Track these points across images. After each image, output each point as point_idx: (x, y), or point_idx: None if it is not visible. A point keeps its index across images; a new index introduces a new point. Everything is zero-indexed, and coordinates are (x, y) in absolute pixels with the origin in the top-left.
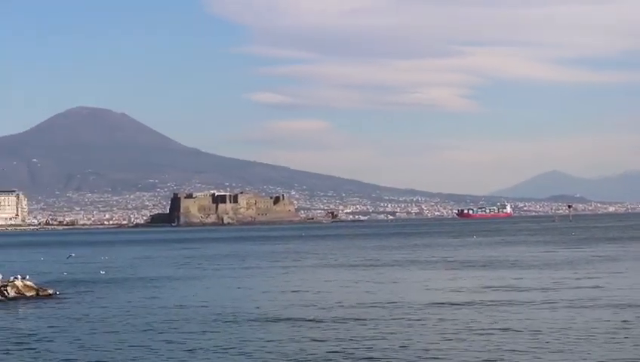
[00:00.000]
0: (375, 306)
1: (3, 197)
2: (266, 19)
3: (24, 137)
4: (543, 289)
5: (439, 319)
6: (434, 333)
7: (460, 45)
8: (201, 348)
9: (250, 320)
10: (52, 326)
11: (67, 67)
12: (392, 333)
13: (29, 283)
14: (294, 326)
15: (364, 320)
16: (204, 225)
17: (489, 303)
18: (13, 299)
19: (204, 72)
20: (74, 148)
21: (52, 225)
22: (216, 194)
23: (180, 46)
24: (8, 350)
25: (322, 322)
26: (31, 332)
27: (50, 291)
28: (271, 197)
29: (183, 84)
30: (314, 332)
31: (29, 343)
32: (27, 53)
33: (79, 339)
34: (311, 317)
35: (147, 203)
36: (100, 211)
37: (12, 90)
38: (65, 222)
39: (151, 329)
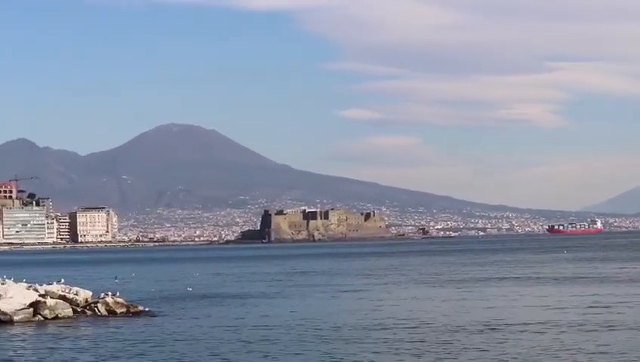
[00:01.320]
0: (467, 327)
1: (94, 214)
2: (358, 35)
3: (114, 154)
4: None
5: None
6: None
7: (548, 61)
8: None
9: (345, 337)
10: (143, 343)
11: (158, 84)
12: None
13: (119, 299)
14: (387, 343)
15: (455, 340)
16: (294, 241)
17: (585, 323)
18: (104, 315)
19: (295, 88)
20: (164, 165)
21: (142, 241)
22: (307, 210)
23: (271, 63)
24: None
25: (421, 341)
26: (122, 349)
27: (141, 308)
28: (362, 214)
29: (273, 100)
30: (411, 349)
31: (120, 359)
32: (117, 71)
33: (171, 355)
34: (405, 335)
35: (238, 219)
36: (190, 228)
37: (103, 107)
38: (155, 239)
39: (242, 345)
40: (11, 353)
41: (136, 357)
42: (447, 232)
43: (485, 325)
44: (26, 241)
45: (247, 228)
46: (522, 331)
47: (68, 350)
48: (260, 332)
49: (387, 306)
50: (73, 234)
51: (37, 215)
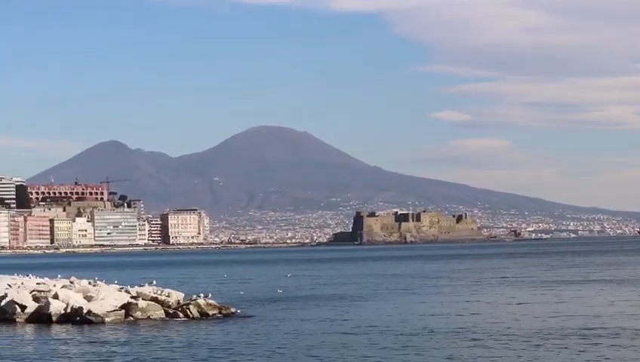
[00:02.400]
0: (555, 331)
1: (185, 216)
2: (449, 38)
3: (206, 156)
4: None
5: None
6: None
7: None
8: None
9: (438, 338)
10: (236, 344)
11: (249, 86)
12: None
13: (211, 301)
14: (479, 346)
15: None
16: (386, 243)
17: None
18: (196, 317)
19: (387, 90)
20: (256, 167)
21: (234, 243)
22: (398, 212)
23: (363, 65)
24: None
25: (511, 342)
26: (215, 351)
27: (233, 309)
28: (453, 216)
29: (365, 102)
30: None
31: (213, 360)
32: (208, 74)
33: (264, 357)
34: (502, 337)
35: (330, 221)
36: (282, 230)
37: (194, 109)
38: (247, 241)
39: (334, 348)
40: (105, 354)
41: (229, 358)
42: (539, 234)
43: (588, 329)
44: (118, 243)
45: (339, 230)
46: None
47: (161, 351)
48: (354, 335)
49: (484, 308)
50: (165, 236)
51: (128, 217)
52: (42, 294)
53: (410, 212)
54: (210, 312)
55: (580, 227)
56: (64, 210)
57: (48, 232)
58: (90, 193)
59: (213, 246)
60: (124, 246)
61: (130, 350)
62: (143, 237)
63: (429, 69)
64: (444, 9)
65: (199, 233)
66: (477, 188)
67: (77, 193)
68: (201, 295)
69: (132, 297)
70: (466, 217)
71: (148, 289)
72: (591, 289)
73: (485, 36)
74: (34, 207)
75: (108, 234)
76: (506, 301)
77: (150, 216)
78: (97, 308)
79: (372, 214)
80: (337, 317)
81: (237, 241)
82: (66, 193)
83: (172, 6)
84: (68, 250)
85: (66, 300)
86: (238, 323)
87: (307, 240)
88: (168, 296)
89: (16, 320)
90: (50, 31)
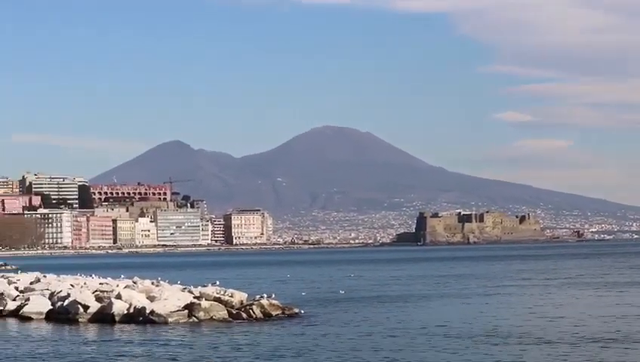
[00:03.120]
0: (621, 333)
1: (248, 216)
2: (513, 38)
3: (269, 156)
4: None
5: None
6: None
7: None
8: None
9: (504, 340)
10: (299, 345)
11: (313, 87)
12: None
13: (274, 301)
14: (545, 348)
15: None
16: (449, 244)
17: None
18: (260, 318)
19: (450, 90)
20: (319, 167)
21: (297, 244)
22: (462, 213)
23: (427, 65)
24: None
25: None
26: (278, 351)
27: (296, 310)
28: (516, 216)
29: (428, 102)
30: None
31: (277, 360)
32: (271, 74)
33: (328, 358)
34: (570, 339)
35: (393, 222)
36: (345, 230)
37: (257, 109)
38: (310, 241)
39: (398, 348)
40: (169, 354)
41: (293, 359)
42: (602, 235)
43: None
44: (180, 243)
45: (402, 231)
46: None
47: (224, 351)
48: (418, 337)
49: (549, 310)
50: (228, 237)
51: (191, 217)
52: (105, 294)
53: (473, 212)
54: (274, 313)
55: None
56: (127, 210)
57: (111, 232)
58: (153, 193)
59: (277, 246)
60: (187, 246)
61: (193, 350)
62: (206, 237)
63: (492, 69)
64: (508, 10)
65: (262, 233)
66: (540, 189)
67: (140, 193)
68: (265, 295)
69: (195, 297)
70: (529, 218)
71: (211, 290)
72: None
73: (548, 37)
74: (97, 207)
75: (171, 234)
76: (571, 302)
77: (213, 216)
78: (160, 308)
79: (435, 215)
80: (402, 318)
81: (300, 242)
82: (128, 193)
83: (231, 6)
84: (131, 250)
85: (128, 300)
86: (302, 323)
87: (370, 241)
88: (231, 297)
89: (79, 320)
90: (117, 31)
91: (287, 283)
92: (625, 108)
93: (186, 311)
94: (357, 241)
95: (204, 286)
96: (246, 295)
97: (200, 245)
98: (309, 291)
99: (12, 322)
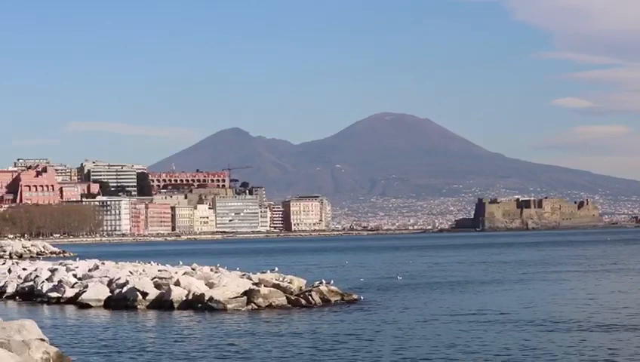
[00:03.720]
0: None
1: (307, 203)
2: (570, 24)
3: (328, 143)
4: None
5: None
6: None
7: None
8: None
9: (563, 328)
10: (359, 330)
11: (372, 73)
12: None
13: (333, 287)
14: (606, 336)
15: None
16: (508, 229)
17: None
18: (318, 304)
19: (508, 77)
20: (378, 154)
21: (356, 230)
22: (520, 199)
23: (485, 52)
24: (321, 351)
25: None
26: (339, 336)
27: (355, 296)
28: (575, 202)
29: (486, 89)
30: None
31: (338, 345)
32: (330, 61)
33: (390, 343)
34: (625, 326)
35: (451, 208)
36: (404, 216)
37: (316, 96)
38: (369, 228)
39: (460, 333)
40: (229, 340)
41: (353, 345)
42: None
43: None
44: (239, 230)
45: (460, 217)
46: None
47: (284, 337)
48: (477, 323)
49: (609, 296)
50: (286, 223)
51: (250, 204)
52: (164, 281)
53: (532, 198)
54: (333, 299)
55: None
56: (185, 198)
57: (170, 219)
58: (212, 180)
59: (335, 233)
60: (246, 233)
61: (253, 336)
62: (265, 224)
63: (551, 55)
64: None
65: (321, 220)
66: (598, 175)
67: (198, 180)
68: (324, 281)
69: (254, 284)
70: (587, 203)
71: (270, 276)
72: None
73: (606, 23)
74: (155, 194)
75: (229, 221)
76: (630, 288)
77: (272, 203)
78: (219, 294)
79: (494, 201)
80: (461, 304)
81: (359, 228)
82: (187, 180)
83: None
84: (189, 237)
85: (187, 287)
86: (361, 310)
87: (429, 227)
88: (290, 283)
89: (138, 307)
90: (177, 20)
91: (346, 270)
92: None
93: (245, 297)
94: (415, 227)
95: (263, 272)
96: (305, 281)
97: (259, 232)
98: (367, 277)
99: (70, 309)
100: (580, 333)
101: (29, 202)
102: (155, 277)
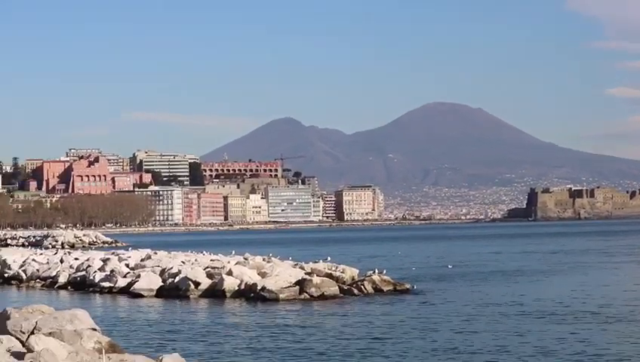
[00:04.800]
0: None
1: (360, 193)
2: (623, 13)
3: (380, 132)
4: None
5: None
6: None
7: None
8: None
9: (618, 319)
10: (412, 319)
11: (425, 63)
12: None
13: (385, 277)
14: None
15: None
16: (560, 219)
17: None
18: (371, 293)
19: (561, 66)
20: (430, 144)
21: (409, 219)
22: (572, 188)
23: (538, 41)
24: (375, 340)
25: None
26: (393, 326)
27: (407, 285)
28: (627, 192)
29: (539, 79)
30: None
31: (393, 334)
32: (382, 51)
33: (445, 332)
34: None
35: (504, 197)
36: (456, 206)
37: (369, 86)
38: (422, 217)
39: (515, 322)
40: (281, 329)
41: (405, 334)
42: None
43: None
44: (292, 220)
45: (512, 206)
46: None
47: (338, 326)
48: (529, 315)
49: None
50: (339, 213)
51: (302, 193)
52: (216, 271)
53: (584, 188)
54: (385, 288)
55: None
56: (238, 187)
57: (222, 209)
58: (264, 170)
59: (388, 222)
60: (298, 222)
61: (306, 325)
62: (317, 213)
63: (603, 44)
64: None
65: (373, 209)
66: None
67: (251, 170)
68: (376, 271)
69: (306, 273)
70: (639, 193)
71: (322, 266)
72: None
73: None
74: (207, 184)
75: (282, 210)
76: None
77: (324, 192)
78: (271, 284)
79: (546, 190)
80: (515, 293)
81: (411, 218)
82: (239, 170)
83: None
84: (242, 226)
85: (240, 276)
86: (414, 299)
87: (481, 217)
88: (343, 272)
89: (190, 296)
90: (229, 10)
91: (398, 259)
92: None
93: (298, 287)
94: (468, 217)
95: (316, 262)
96: (357, 271)
97: (311, 221)
98: (420, 267)
99: (122, 298)
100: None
101: (81, 192)
102: (207, 267)
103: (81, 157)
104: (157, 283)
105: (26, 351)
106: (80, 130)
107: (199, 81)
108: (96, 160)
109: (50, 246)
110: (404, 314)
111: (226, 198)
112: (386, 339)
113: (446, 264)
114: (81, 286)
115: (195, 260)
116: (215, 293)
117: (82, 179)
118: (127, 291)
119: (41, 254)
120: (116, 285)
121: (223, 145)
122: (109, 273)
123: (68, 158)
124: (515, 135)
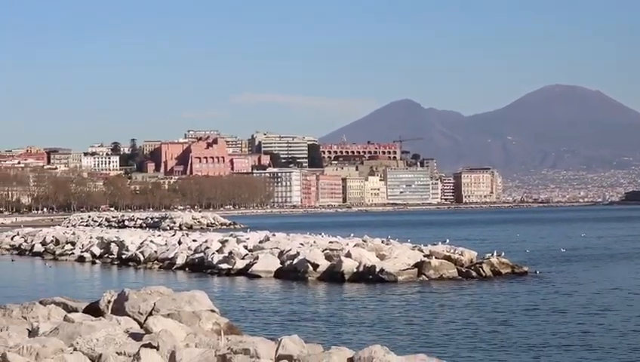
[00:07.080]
0: None
1: (478, 175)
2: None
3: (499, 115)
4: None
5: None
6: None
7: None
8: None
9: None
10: (532, 302)
11: (543, 45)
12: None
13: (504, 260)
14: None
15: None
16: None
17: None
18: (489, 276)
19: None
20: (548, 126)
21: (527, 202)
22: None
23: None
24: (496, 323)
25: None
26: (510, 308)
27: (526, 268)
28: None
29: None
30: None
31: (514, 317)
32: (501, 31)
33: (566, 315)
34: None
35: (622, 180)
36: (574, 189)
37: (487, 68)
38: (539, 200)
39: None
40: (400, 311)
41: (524, 317)
42: None
43: None
44: (410, 202)
45: (631, 189)
46: None
47: (459, 308)
48: None
49: None
50: (457, 195)
51: (421, 175)
52: (335, 253)
53: None
54: (503, 271)
55: None
56: (356, 169)
57: (340, 191)
58: (383, 152)
59: (506, 205)
60: (417, 204)
61: (425, 308)
62: (436, 195)
63: None
64: None
65: (492, 192)
66: None
67: (369, 152)
68: (494, 253)
69: (425, 256)
70: None
71: (441, 248)
72: None
73: None
74: (326, 166)
75: (400, 193)
76: None
77: (443, 174)
78: (390, 266)
79: None
80: (635, 277)
81: (529, 200)
82: (358, 152)
83: None
84: (360, 208)
85: (358, 259)
86: (532, 282)
87: (599, 200)
88: (461, 255)
89: (308, 278)
90: None
91: (517, 242)
92: None
93: (416, 269)
94: (586, 200)
95: (434, 244)
96: (476, 253)
97: (429, 203)
98: (538, 250)
99: (241, 280)
100: None
101: (200, 173)
102: (325, 249)
103: (200, 138)
104: (275, 265)
105: (144, 332)
106: (199, 111)
107: (318, 62)
108: (215, 141)
109: (168, 227)
110: (523, 297)
111: (344, 180)
112: (508, 322)
113: (570, 247)
114: (198, 267)
115: (314, 242)
116: (333, 275)
117: (200, 161)
118: (245, 273)
119: (159, 236)
120: (234, 267)
121: (342, 127)
122: (227, 255)
123: (186, 140)
124: (633, 118)
